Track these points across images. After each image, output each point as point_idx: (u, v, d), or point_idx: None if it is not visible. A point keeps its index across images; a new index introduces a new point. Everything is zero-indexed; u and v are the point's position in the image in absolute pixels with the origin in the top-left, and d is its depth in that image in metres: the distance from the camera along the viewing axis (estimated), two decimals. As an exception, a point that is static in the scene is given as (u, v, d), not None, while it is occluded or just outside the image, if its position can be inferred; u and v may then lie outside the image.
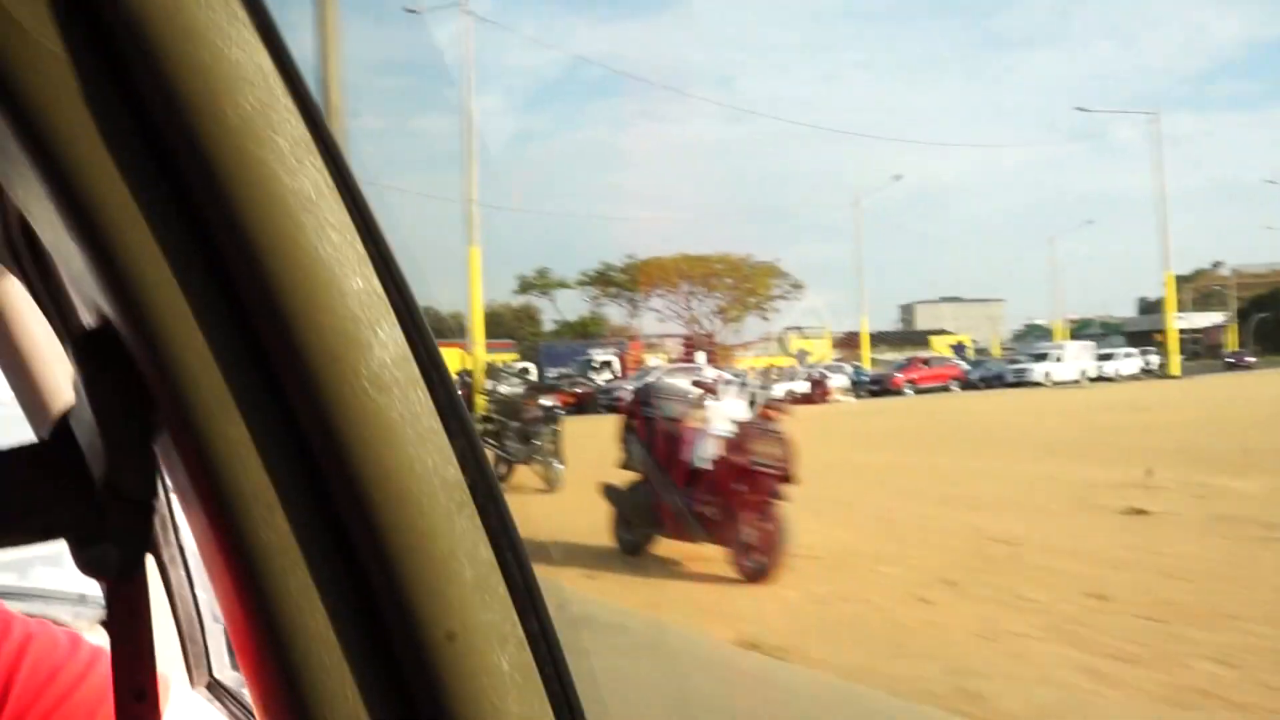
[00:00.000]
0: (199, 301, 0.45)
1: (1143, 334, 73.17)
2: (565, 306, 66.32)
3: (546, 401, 14.41)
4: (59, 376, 1.34)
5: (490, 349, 34.97)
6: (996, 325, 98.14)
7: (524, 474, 14.50)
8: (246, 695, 0.60)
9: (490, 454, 12.36)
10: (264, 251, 0.43)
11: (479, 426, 15.15)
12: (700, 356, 48.35)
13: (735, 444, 8.38)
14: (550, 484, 13.86)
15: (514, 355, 46.30)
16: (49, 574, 1.85)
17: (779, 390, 9.69)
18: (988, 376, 50.45)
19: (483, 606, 0.45)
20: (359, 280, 0.45)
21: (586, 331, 61.19)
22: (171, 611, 1.55)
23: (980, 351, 72.40)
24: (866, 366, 52.43)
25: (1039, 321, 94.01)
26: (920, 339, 79.75)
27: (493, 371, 20.54)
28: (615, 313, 63.52)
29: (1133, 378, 51.23)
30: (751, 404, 8.70)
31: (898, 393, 43.92)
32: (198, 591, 1.57)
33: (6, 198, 0.91)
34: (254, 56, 0.44)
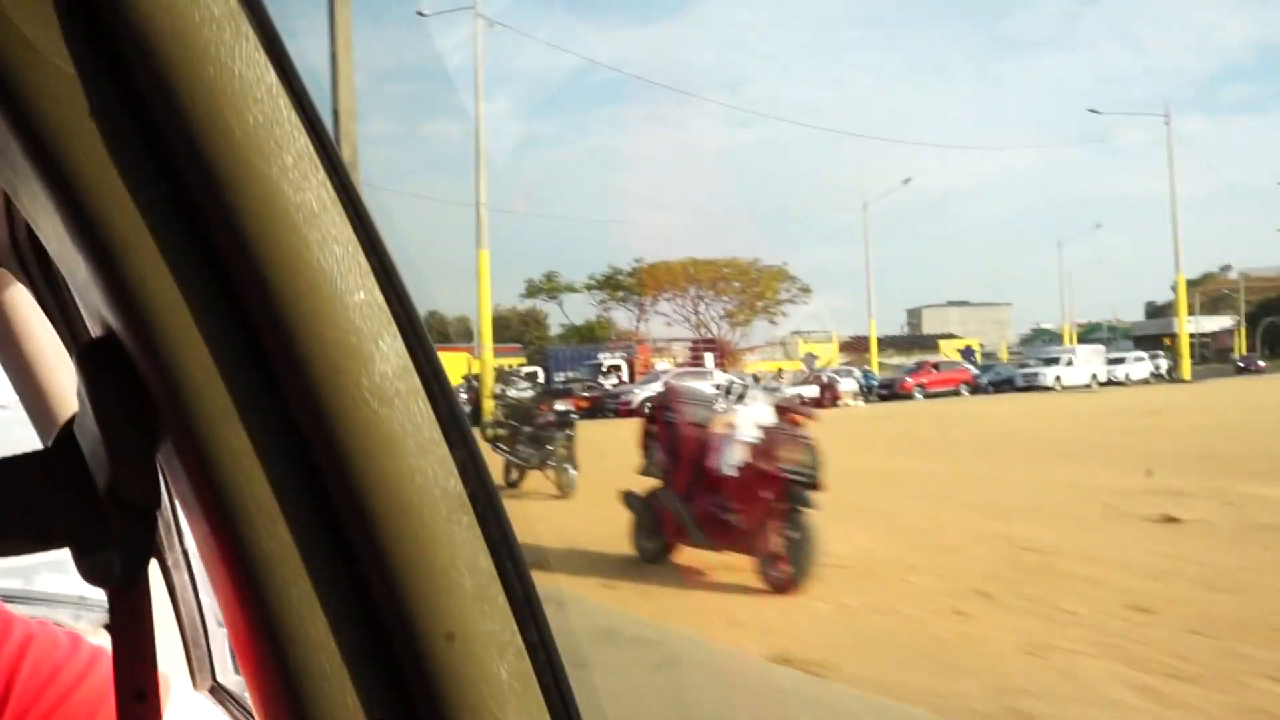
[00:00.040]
0: (203, 313, 0.45)
1: (1150, 338, 72.82)
2: (572, 311, 66.19)
3: (560, 406, 14.14)
4: (64, 382, 1.35)
5: (497, 353, 34.75)
6: (1004, 329, 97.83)
7: (536, 479, 14.27)
8: (249, 699, 0.56)
9: (502, 459, 12.23)
10: (267, 264, 0.44)
11: (491, 431, 15.02)
12: (709, 360, 48.22)
13: (761, 450, 8.11)
14: (564, 489, 13.61)
15: (521, 359, 46.11)
16: (54, 580, 1.85)
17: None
18: (997, 381, 50.13)
19: (482, 615, 0.46)
20: (361, 293, 0.45)
21: (593, 335, 60.97)
22: (175, 615, 1.56)
23: (988, 355, 72.03)
24: (875, 370, 52.14)
25: (1046, 325, 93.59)
26: (928, 343, 79.44)
27: (503, 376, 20.31)
28: (622, 317, 63.40)
29: (1143, 382, 50.88)
30: (777, 409, 8.42)
31: (907, 397, 43.61)
32: (201, 596, 1.58)
33: (14, 208, 0.96)
34: (260, 73, 0.44)
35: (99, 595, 0.60)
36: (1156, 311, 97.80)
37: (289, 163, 0.44)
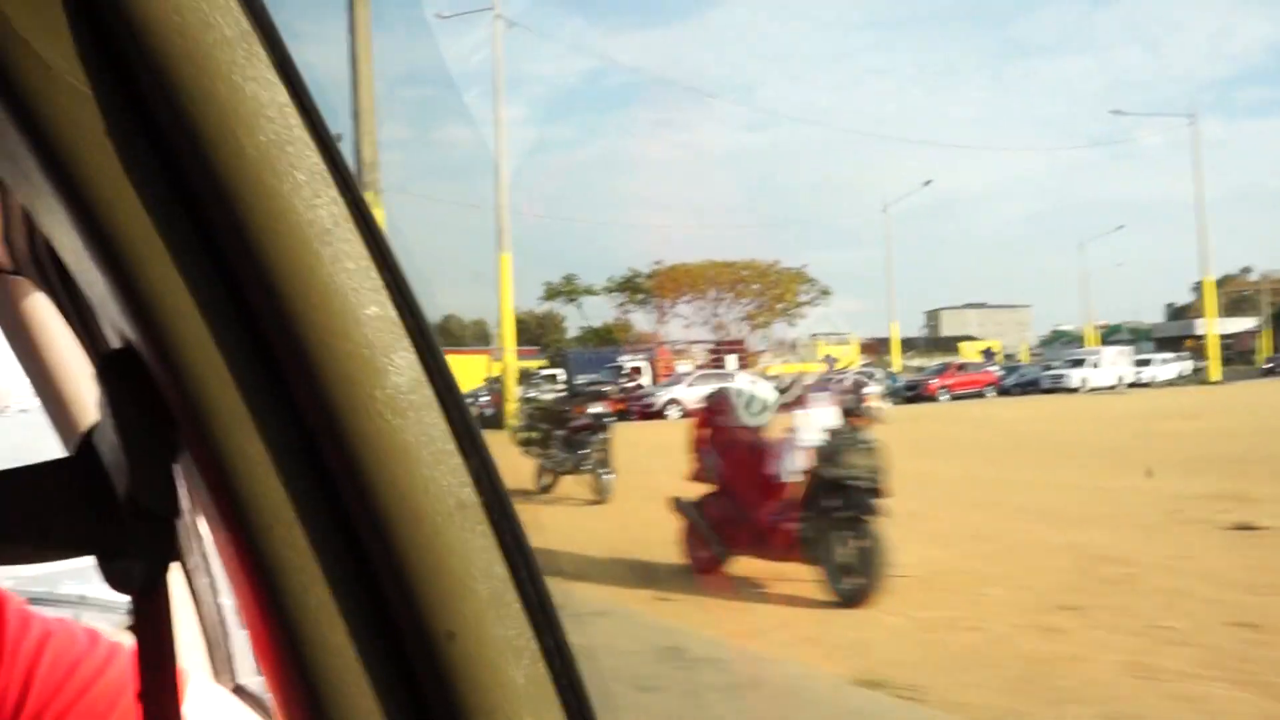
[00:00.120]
0: (219, 328, 0.46)
1: (1172, 340, 72.06)
2: (590, 313, 65.67)
3: (595, 408, 13.68)
4: (84, 388, 1.36)
5: (517, 356, 34.27)
6: (1024, 331, 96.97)
7: (570, 484, 13.82)
8: (269, 699, 0.55)
9: (534, 464, 11.80)
10: (282, 280, 0.45)
11: (522, 435, 14.58)
12: (731, 361, 47.70)
13: (826, 455, 7.63)
14: (600, 494, 13.17)
15: (542, 362, 45.67)
16: (78, 588, 1.86)
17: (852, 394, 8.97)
18: (1022, 382, 49.45)
19: (497, 621, 0.46)
20: (374, 307, 0.46)
21: (611, 338, 60.50)
22: (197, 617, 1.58)
23: (1008, 357, 71.32)
24: (898, 372, 51.54)
25: (1066, 327, 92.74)
26: (948, 345, 78.73)
27: (531, 379, 19.86)
28: (640, 319, 62.89)
29: (1169, 384, 50.10)
30: (844, 412, 7.93)
31: (932, 399, 42.96)
32: (222, 598, 1.59)
33: (33, 222, 1.05)
34: (272, 92, 0.45)
35: (121, 598, 0.56)
36: (1177, 313, 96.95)
37: (301, 180, 0.45)
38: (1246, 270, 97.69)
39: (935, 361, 58.38)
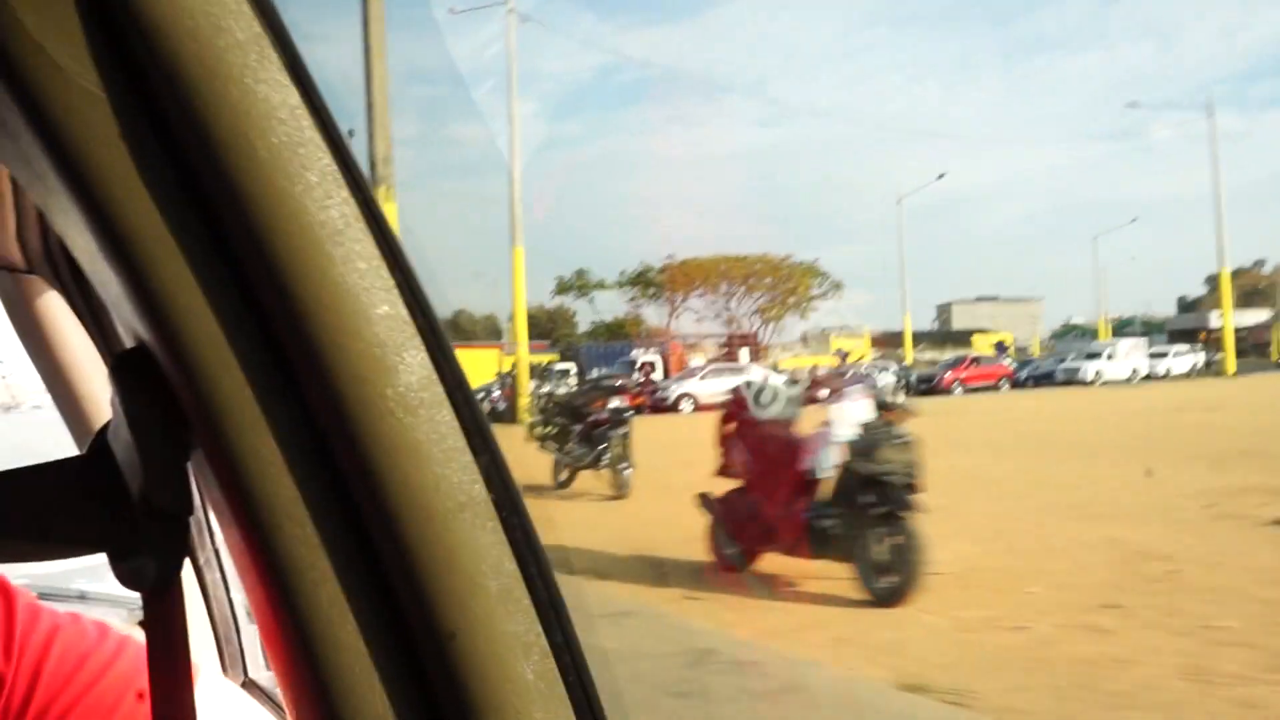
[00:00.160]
0: (231, 327, 0.46)
1: (1184, 332, 71.57)
2: (602, 307, 65.44)
3: (615, 403, 13.45)
4: (97, 386, 1.38)
5: (529, 350, 34.05)
6: (1035, 324, 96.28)
7: (587, 479, 13.61)
8: (280, 695, 0.54)
9: (551, 458, 11.57)
10: (294, 280, 0.45)
11: (539, 430, 14.37)
12: (744, 355, 47.48)
13: (860, 450, 7.39)
14: (620, 490, 12.95)
15: (553, 356, 45.45)
16: (88, 584, 1.85)
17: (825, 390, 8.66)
18: (1036, 375, 49.09)
19: (507, 618, 0.46)
20: (385, 306, 0.46)
21: (623, 332, 60.31)
22: (208, 613, 1.57)
23: (1020, 350, 70.90)
24: (910, 365, 51.23)
25: (1078, 320, 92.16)
26: (960, 338, 78.25)
27: (546, 373, 19.65)
28: (651, 314, 62.68)
29: (1184, 377, 49.66)
30: (876, 405, 7.69)
31: (946, 392, 42.63)
32: (233, 593, 1.59)
33: (47, 222, 1.08)
34: (284, 95, 0.45)
35: (133, 595, 0.56)
36: (1188, 306, 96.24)
37: (313, 181, 0.45)
38: (1260, 263, 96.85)
39: (946, 355, 58.08)
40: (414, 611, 0.46)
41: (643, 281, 61.30)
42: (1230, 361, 48.93)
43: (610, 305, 64.54)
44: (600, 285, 62.53)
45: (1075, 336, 79.22)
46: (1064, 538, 9.27)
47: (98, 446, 0.55)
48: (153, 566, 0.52)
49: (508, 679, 0.46)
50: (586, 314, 66.56)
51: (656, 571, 8.59)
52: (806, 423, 8.23)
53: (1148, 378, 48.29)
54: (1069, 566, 8.08)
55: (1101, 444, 17.88)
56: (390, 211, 15.99)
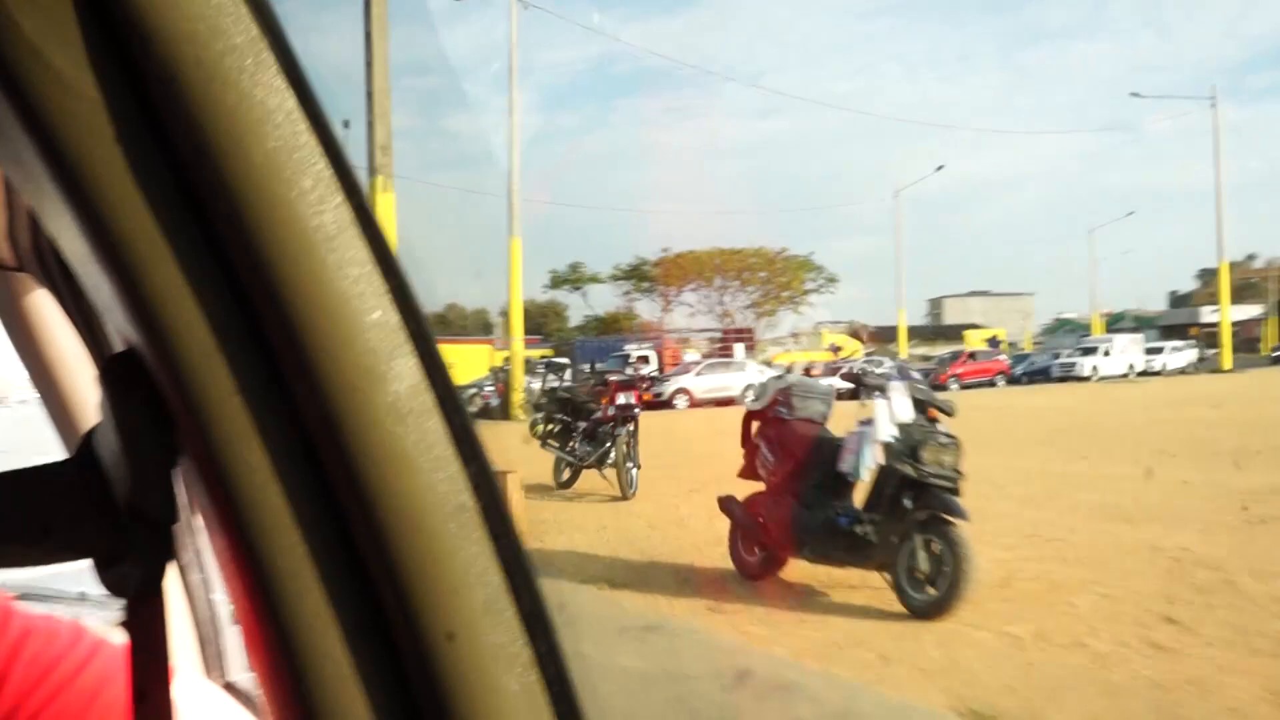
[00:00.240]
0: (222, 333, 0.45)
1: (1176, 327, 71.41)
2: (594, 301, 64.93)
3: (622, 399, 12.93)
4: (85, 386, 1.37)
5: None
6: (1026, 319, 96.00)
7: (591, 478, 13.11)
8: (260, 697, 0.53)
9: (552, 456, 11.01)
10: (286, 285, 0.44)
11: (540, 428, 13.84)
12: (739, 350, 46.97)
13: (901, 450, 6.91)
14: (625, 490, 12.44)
15: (548, 350, 44.88)
16: (74, 586, 1.75)
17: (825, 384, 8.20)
18: (1032, 371, 48.78)
19: (492, 628, 0.46)
20: (377, 313, 0.46)
21: (616, 326, 59.74)
22: (190, 613, 1.57)
23: (1011, 345, 70.62)
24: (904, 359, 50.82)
25: (1069, 315, 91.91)
26: (952, 333, 77.95)
27: (549, 366, 19.08)
28: (646, 307, 62.13)
29: (1180, 372, 49.40)
30: (916, 403, 7.20)
31: (942, 388, 42.26)
32: (215, 596, 1.59)
33: (38, 220, 1.04)
34: (280, 99, 0.45)
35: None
36: (1179, 301, 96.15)
37: (307, 186, 0.45)
38: (1251, 257, 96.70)
39: (939, 349, 57.71)
40: (400, 620, 0.45)
41: (637, 275, 60.76)
42: (1227, 357, 48.68)
43: (603, 299, 64.08)
44: (594, 279, 62.03)
45: (1067, 331, 79.02)
46: (1100, 542, 8.82)
47: (84, 450, 0.54)
48: (138, 573, 0.51)
49: (493, 690, 0.45)
50: (578, 309, 66.07)
51: (674, 579, 8.11)
52: (840, 422, 7.75)
53: (1144, 373, 48.01)
54: (1113, 575, 7.62)
55: (1115, 441, 17.46)
56: (388, 202, 15.50)
